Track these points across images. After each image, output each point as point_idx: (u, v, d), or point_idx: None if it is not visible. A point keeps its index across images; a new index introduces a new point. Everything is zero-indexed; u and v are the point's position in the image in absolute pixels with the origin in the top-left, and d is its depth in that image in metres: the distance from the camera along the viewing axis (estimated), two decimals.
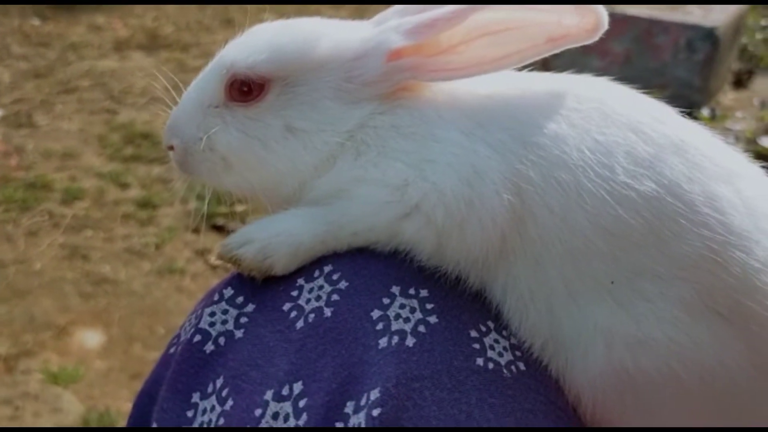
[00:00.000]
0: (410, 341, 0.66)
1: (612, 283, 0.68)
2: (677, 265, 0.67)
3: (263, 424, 0.65)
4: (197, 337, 0.73)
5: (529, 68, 0.77)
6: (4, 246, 3.18)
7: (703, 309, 0.67)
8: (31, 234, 3.25)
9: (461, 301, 0.72)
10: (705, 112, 4.21)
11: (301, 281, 0.73)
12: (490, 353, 0.68)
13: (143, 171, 3.75)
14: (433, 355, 0.66)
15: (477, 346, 0.68)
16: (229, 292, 0.75)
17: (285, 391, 0.66)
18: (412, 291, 0.70)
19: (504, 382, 0.67)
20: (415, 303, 0.70)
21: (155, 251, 3.17)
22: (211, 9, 5.77)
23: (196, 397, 0.71)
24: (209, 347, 0.72)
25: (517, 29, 0.72)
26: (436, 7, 0.75)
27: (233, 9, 5.60)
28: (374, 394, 0.63)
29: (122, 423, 2.34)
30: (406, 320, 0.68)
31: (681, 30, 4.07)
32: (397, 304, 0.69)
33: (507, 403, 0.66)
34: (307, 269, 0.73)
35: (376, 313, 0.68)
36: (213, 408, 0.69)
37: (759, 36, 4.86)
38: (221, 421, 0.68)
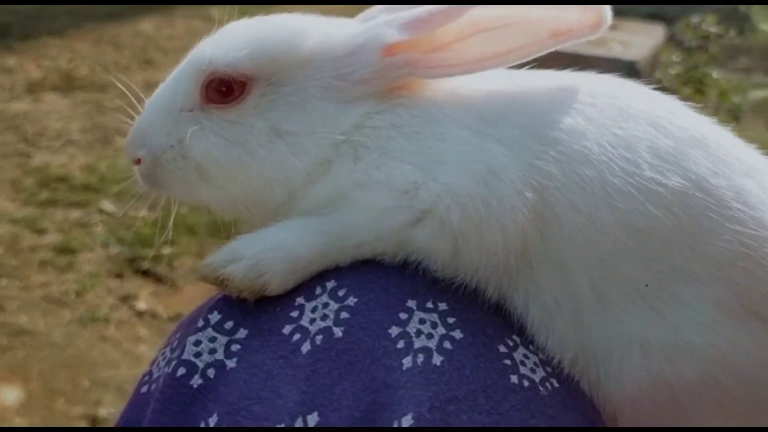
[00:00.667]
0: (437, 359, 0.61)
1: (646, 286, 0.64)
2: (712, 264, 0.64)
3: None
4: (181, 371, 0.64)
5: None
6: None
7: (741, 311, 0.64)
8: None
9: (483, 315, 0.66)
10: None
11: (300, 300, 0.66)
12: (522, 369, 0.63)
13: (60, 215, 3.60)
14: (464, 374, 0.60)
15: (508, 362, 0.63)
16: (215, 317, 0.67)
17: (298, 423, 0.58)
18: (430, 304, 0.65)
19: (542, 401, 0.62)
20: (435, 317, 0.64)
21: (76, 299, 3.02)
22: (128, 49, 5.66)
23: None
24: (196, 381, 0.63)
25: (517, 25, 0.68)
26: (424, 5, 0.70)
27: (152, 49, 5.51)
28: (407, 421, 0.57)
29: None
30: (429, 336, 0.62)
31: (603, 64, 4.24)
32: (416, 319, 0.63)
33: (549, 424, 0.60)
34: (305, 286, 0.67)
35: (394, 330, 0.62)
36: None
37: (672, 71, 5.10)
38: None
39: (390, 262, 0.68)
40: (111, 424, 0.68)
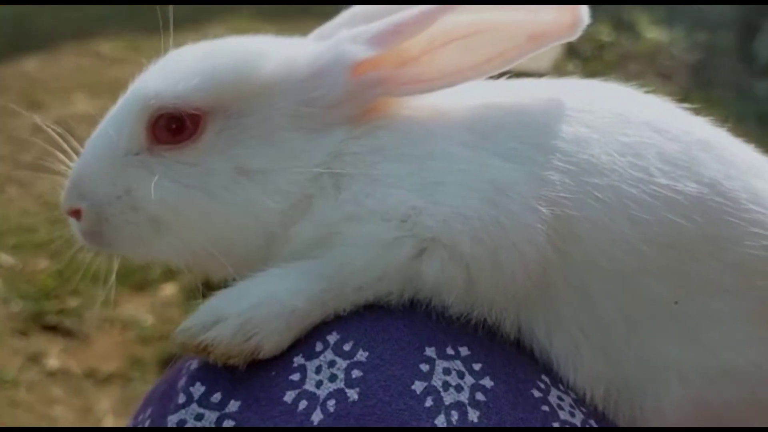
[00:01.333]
0: (473, 415, 0.54)
1: (675, 304, 0.59)
2: (738, 273, 0.59)
3: None
4: None
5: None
6: None
7: None
8: None
9: (508, 356, 0.59)
10: None
11: (299, 359, 0.57)
12: (562, 415, 0.57)
13: None
14: (507, 428, 0.53)
15: (546, 408, 0.56)
16: (198, 389, 0.58)
17: None
18: (450, 350, 0.58)
19: None
20: (459, 365, 0.57)
21: None
22: (12, 92, 5.39)
23: None
24: None
25: (491, 31, 0.62)
26: (390, 11, 0.63)
27: (39, 90, 5.26)
28: None
29: None
30: (459, 389, 0.55)
31: (513, 77, 4.39)
32: (439, 369, 0.56)
33: None
34: (303, 343, 0.58)
35: (418, 386, 0.55)
36: None
37: None
38: None
39: (396, 304, 0.60)
40: None
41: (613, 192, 0.59)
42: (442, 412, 0.54)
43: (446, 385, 0.55)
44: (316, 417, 0.54)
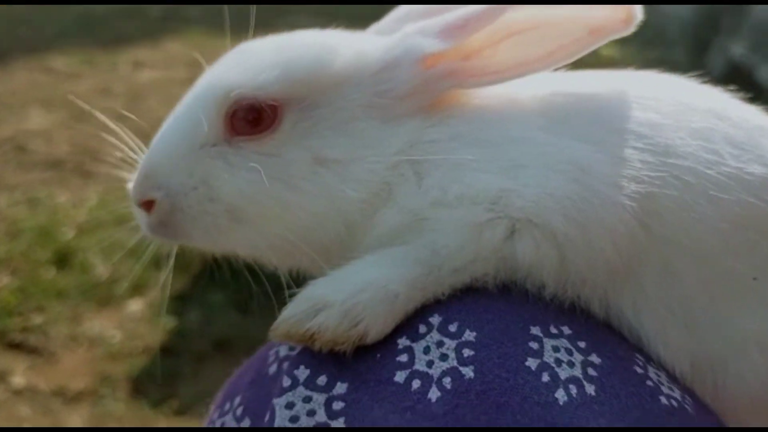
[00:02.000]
0: (590, 389, 0.55)
1: (754, 279, 0.61)
2: None
3: None
4: None
5: None
6: None
7: None
8: None
9: (605, 334, 0.61)
10: None
11: (404, 341, 0.58)
12: (664, 390, 0.58)
13: None
14: (622, 402, 0.56)
15: (650, 383, 0.58)
16: (303, 372, 0.58)
17: None
18: (554, 329, 0.59)
19: (693, 420, 0.58)
20: (566, 343, 0.58)
21: None
22: None
23: None
24: None
25: (548, 26, 0.64)
26: (449, 7, 0.65)
27: None
28: None
29: None
30: (571, 365, 0.56)
31: None
32: (548, 347, 0.57)
33: None
34: (405, 327, 0.59)
35: (532, 363, 0.56)
36: None
37: None
38: None
39: (492, 286, 0.61)
40: None
41: (692, 173, 0.61)
42: (561, 386, 0.55)
43: (558, 362, 0.56)
44: (433, 395, 0.55)
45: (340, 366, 0.58)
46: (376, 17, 0.78)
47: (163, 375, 2.58)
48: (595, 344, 0.59)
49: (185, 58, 5.56)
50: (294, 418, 0.56)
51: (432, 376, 0.56)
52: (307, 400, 0.56)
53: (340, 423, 0.55)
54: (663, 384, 0.60)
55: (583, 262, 0.60)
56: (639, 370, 0.60)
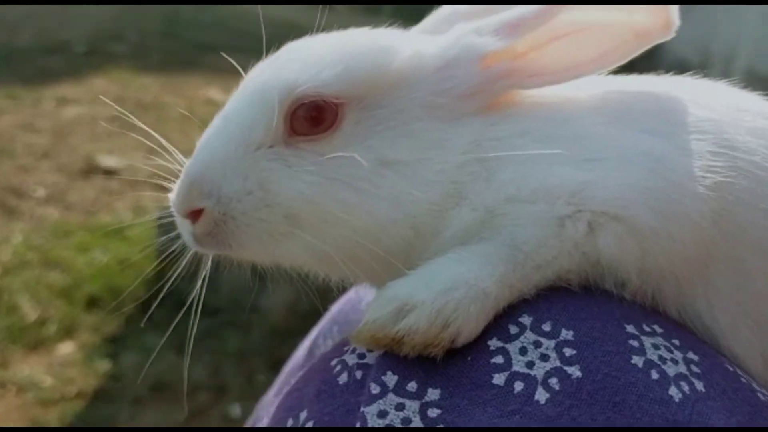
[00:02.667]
0: (699, 386, 0.54)
1: None
2: None
3: None
4: None
5: None
6: None
7: None
8: None
9: (687, 332, 0.60)
10: None
11: (496, 343, 0.55)
12: (754, 385, 0.57)
13: None
14: (730, 398, 0.54)
15: (743, 379, 0.57)
16: (391, 378, 0.54)
17: None
18: (647, 327, 0.57)
19: None
20: (662, 341, 0.56)
21: None
22: None
23: None
24: None
25: (594, 29, 0.63)
26: (498, 8, 0.65)
27: None
28: None
29: None
30: (674, 362, 0.55)
31: None
32: (647, 344, 0.55)
33: None
34: (493, 327, 0.56)
35: (638, 360, 0.54)
36: None
37: None
38: None
39: (576, 285, 0.59)
40: None
41: (757, 168, 0.60)
42: (672, 383, 0.53)
43: (662, 359, 0.55)
44: (541, 396, 0.52)
45: (427, 371, 0.55)
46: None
47: (99, 421, 2.48)
48: (687, 341, 0.58)
49: (111, 94, 5.46)
50: (389, 428, 0.52)
51: (535, 378, 0.53)
52: (400, 407, 0.53)
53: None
54: (752, 381, 0.59)
55: (664, 255, 0.59)
56: (730, 368, 0.59)
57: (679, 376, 0.54)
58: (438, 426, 0.52)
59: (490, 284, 0.56)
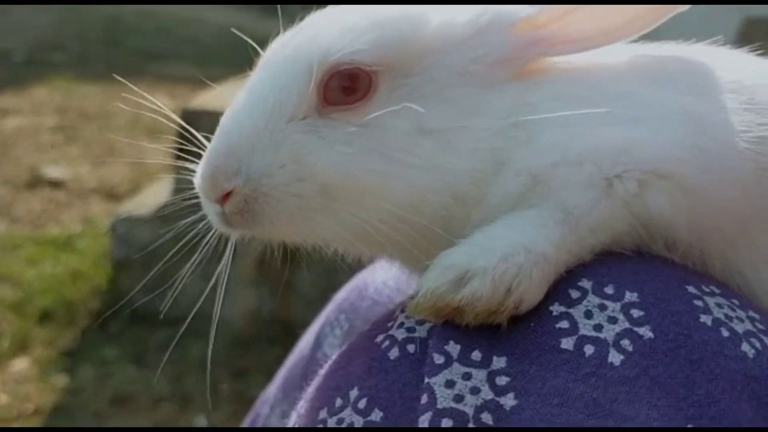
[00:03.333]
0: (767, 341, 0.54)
1: None
2: None
3: None
4: (446, 422, 0.49)
5: None
6: None
7: None
8: None
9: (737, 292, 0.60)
10: None
11: (558, 308, 0.54)
12: None
13: None
14: None
15: None
16: (454, 348, 0.53)
17: None
18: (706, 288, 0.56)
19: None
20: (722, 300, 0.56)
21: None
22: None
23: None
24: None
25: None
26: None
27: None
28: None
29: None
30: (740, 320, 0.54)
31: None
32: (711, 303, 0.55)
33: None
34: (552, 293, 0.55)
35: (706, 319, 0.53)
36: None
37: None
38: None
39: (629, 248, 0.59)
40: None
41: None
42: (743, 341, 0.53)
43: (728, 317, 0.54)
44: (615, 358, 0.51)
45: (490, 339, 0.54)
46: None
47: None
48: (744, 301, 0.58)
49: (53, 104, 5.34)
50: (458, 398, 0.51)
51: (605, 340, 0.52)
52: (467, 377, 0.52)
53: (509, 398, 0.50)
54: None
55: (713, 212, 0.59)
56: None
57: (748, 333, 0.54)
58: (507, 394, 0.51)
59: (549, 248, 0.55)
